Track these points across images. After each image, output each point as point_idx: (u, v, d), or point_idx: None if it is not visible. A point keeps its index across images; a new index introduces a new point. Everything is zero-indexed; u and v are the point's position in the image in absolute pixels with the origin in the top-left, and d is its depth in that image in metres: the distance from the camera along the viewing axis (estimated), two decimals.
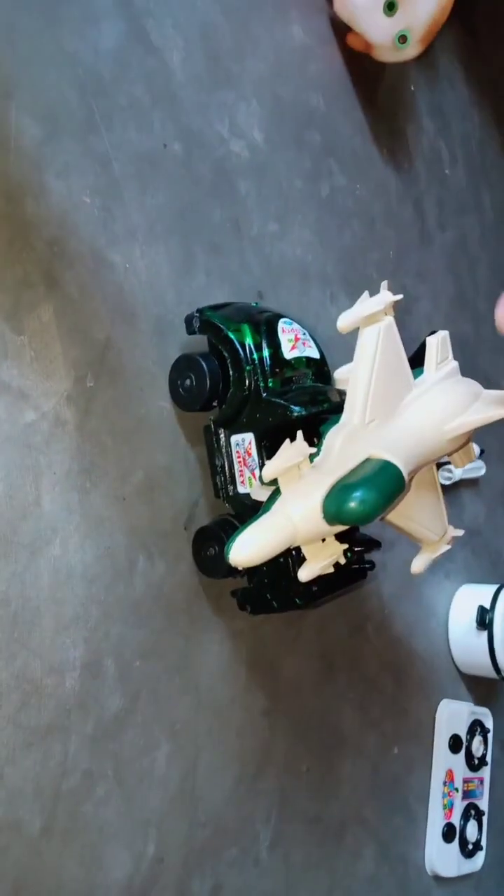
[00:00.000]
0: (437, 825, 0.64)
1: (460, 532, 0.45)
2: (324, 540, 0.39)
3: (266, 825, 0.52)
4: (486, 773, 0.69)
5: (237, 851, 0.49)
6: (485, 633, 0.66)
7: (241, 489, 0.45)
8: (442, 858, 0.64)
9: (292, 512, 0.36)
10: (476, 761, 0.68)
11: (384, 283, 0.41)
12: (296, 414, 0.42)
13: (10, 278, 0.39)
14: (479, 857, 0.68)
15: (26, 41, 0.41)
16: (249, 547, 0.35)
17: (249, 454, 0.44)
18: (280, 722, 0.52)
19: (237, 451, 0.44)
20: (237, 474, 0.45)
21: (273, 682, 0.52)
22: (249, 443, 0.44)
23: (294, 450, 0.37)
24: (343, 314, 0.40)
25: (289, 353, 0.44)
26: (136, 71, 0.47)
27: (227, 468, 0.45)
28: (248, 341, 0.43)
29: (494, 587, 0.68)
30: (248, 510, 0.44)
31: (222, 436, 0.45)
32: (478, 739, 0.68)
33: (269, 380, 0.43)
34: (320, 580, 0.43)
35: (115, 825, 0.42)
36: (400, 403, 0.40)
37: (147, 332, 0.45)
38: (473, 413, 0.41)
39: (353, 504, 0.34)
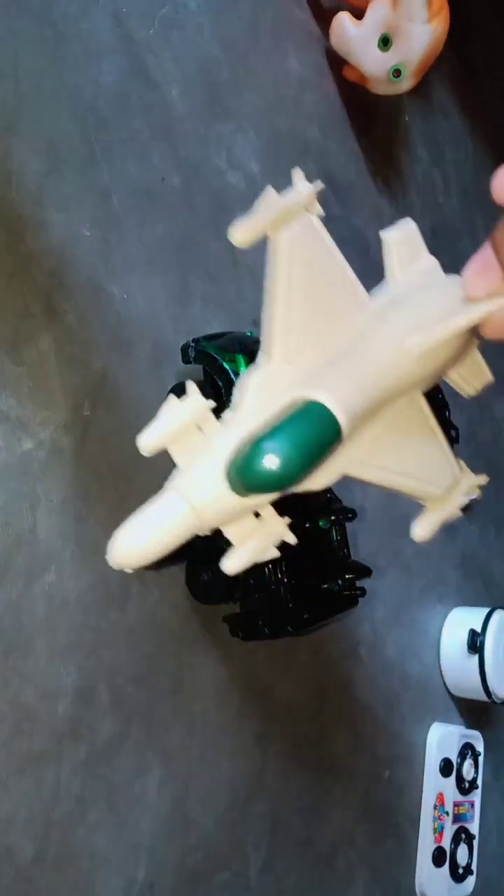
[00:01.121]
0: (427, 849, 0.64)
1: (483, 478, 0.35)
2: (258, 515, 0.30)
3: (257, 849, 0.52)
4: (476, 796, 0.70)
5: (228, 875, 0.49)
6: (476, 657, 0.67)
7: None
8: (432, 883, 0.64)
9: (188, 487, 0.27)
10: (467, 785, 0.68)
11: (296, 171, 0.31)
12: None
13: (10, 309, 0.40)
14: (470, 882, 0.68)
15: (29, 77, 0.42)
16: (132, 543, 0.27)
17: None
18: (272, 746, 0.53)
19: None
20: None
21: (266, 706, 0.52)
22: None
23: (182, 407, 0.28)
24: (240, 221, 0.30)
25: None
26: (135, 105, 0.48)
27: None
28: (243, 371, 0.44)
29: (485, 610, 0.69)
30: None
31: None
32: (468, 763, 0.68)
33: None
34: (312, 607, 0.44)
35: (106, 850, 0.42)
36: (343, 328, 0.30)
37: (144, 361, 0.46)
38: (456, 314, 0.29)
39: (261, 463, 0.25)
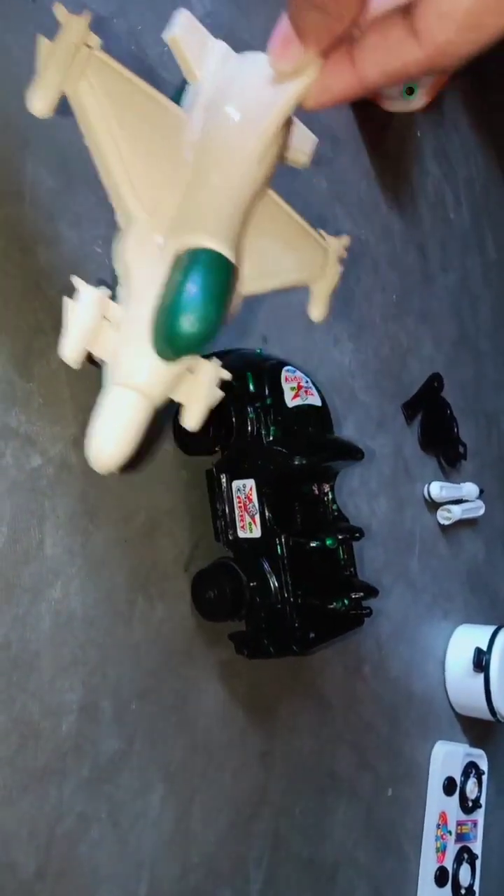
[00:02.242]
0: (429, 869, 0.64)
1: (346, 238, 0.36)
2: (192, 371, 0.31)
3: (259, 867, 0.52)
4: (479, 815, 0.69)
5: (230, 893, 0.49)
6: (481, 676, 0.66)
7: (242, 534, 0.45)
8: None
9: (127, 376, 0.28)
10: (470, 804, 0.68)
11: (58, 6, 0.28)
12: (297, 463, 0.43)
13: (22, 326, 0.40)
14: None
15: None
16: (105, 447, 0.29)
17: (250, 500, 0.45)
18: (276, 763, 0.52)
19: (238, 497, 0.45)
20: (238, 519, 0.45)
21: (270, 723, 0.52)
22: (250, 489, 0.44)
23: (84, 305, 0.28)
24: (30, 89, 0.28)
25: (291, 401, 0.45)
26: None
27: (227, 513, 0.46)
28: (252, 389, 0.44)
29: (491, 629, 0.69)
30: (248, 554, 0.45)
31: (224, 481, 0.46)
32: (472, 781, 0.68)
33: (272, 427, 0.44)
34: (317, 627, 0.44)
35: (108, 867, 0.42)
36: (179, 158, 0.29)
37: None
38: (278, 101, 0.28)
39: (182, 328, 0.27)
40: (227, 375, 0.33)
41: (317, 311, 0.36)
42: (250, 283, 0.32)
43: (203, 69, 0.31)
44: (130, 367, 0.29)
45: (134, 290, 0.29)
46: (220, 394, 0.32)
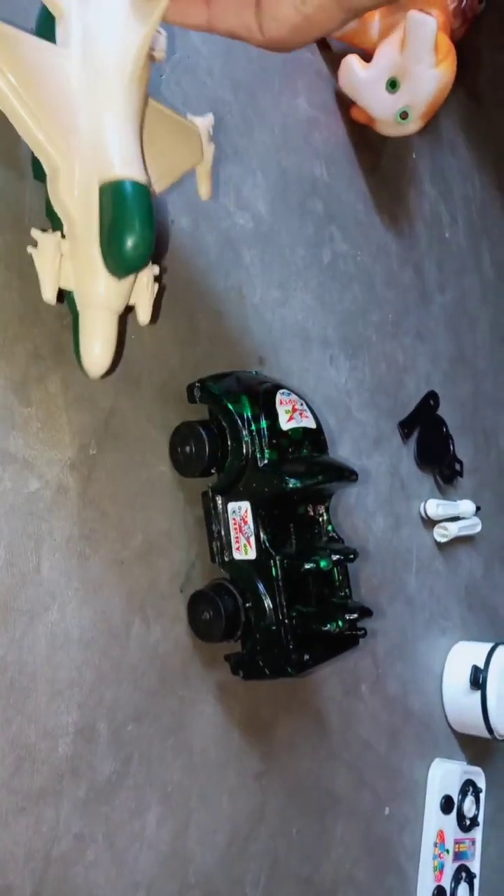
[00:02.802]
0: (427, 888, 0.64)
1: (209, 118, 0.43)
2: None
3: (256, 887, 0.52)
4: (477, 833, 0.69)
5: None
6: (478, 693, 0.67)
7: (237, 555, 0.46)
8: None
9: (98, 301, 0.37)
10: (468, 822, 0.68)
11: None
12: (291, 486, 0.43)
13: (20, 351, 0.41)
14: None
15: None
16: (99, 359, 0.38)
17: (245, 522, 0.45)
18: (273, 783, 0.53)
19: (233, 519, 0.46)
20: (233, 541, 0.46)
21: (266, 743, 0.52)
22: (246, 511, 0.45)
23: (47, 252, 0.36)
24: None
25: (286, 424, 0.46)
26: None
27: (223, 534, 0.46)
28: (247, 413, 0.45)
29: (488, 646, 0.69)
30: (244, 576, 0.45)
31: (219, 502, 0.46)
32: (469, 800, 0.68)
33: (267, 450, 0.45)
34: (312, 649, 0.44)
35: (105, 889, 0.42)
36: (74, 99, 0.34)
37: (150, 400, 0.47)
38: (142, 30, 0.34)
39: (127, 252, 0.34)
40: (157, 270, 0.40)
41: (204, 189, 0.43)
42: (155, 186, 0.38)
43: (65, 3, 0.35)
44: (91, 290, 0.36)
45: (76, 226, 0.35)
46: (155, 289, 0.40)
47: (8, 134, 0.41)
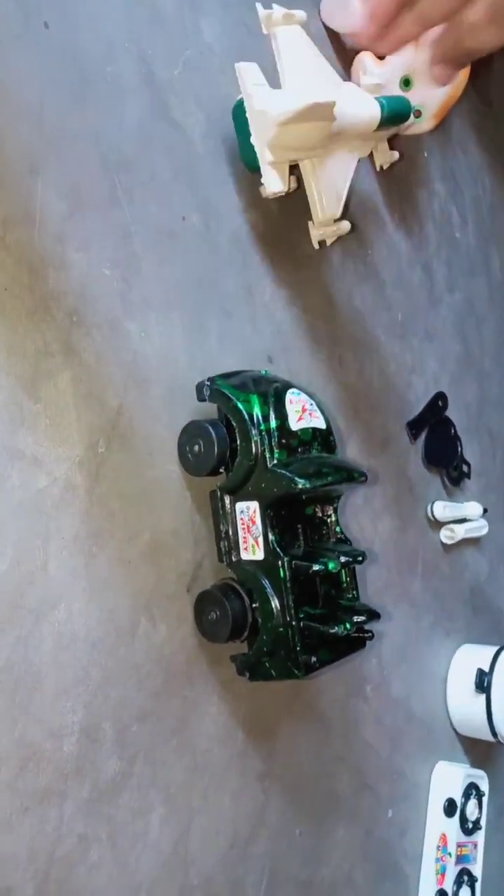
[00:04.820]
0: (429, 892, 0.64)
1: None
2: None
3: (257, 889, 0.51)
4: (480, 837, 0.69)
5: None
6: (483, 696, 0.66)
7: (245, 555, 0.45)
8: None
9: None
10: (470, 825, 0.68)
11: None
12: (300, 486, 0.43)
13: (30, 348, 0.40)
14: None
15: (54, 118, 0.43)
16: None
17: (254, 522, 0.45)
18: (275, 785, 0.52)
19: (241, 518, 0.45)
20: (241, 541, 0.45)
21: (270, 745, 0.52)
22: (254, 511, 0.45)
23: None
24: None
25: (296, 423, 0.45)
26: (157, 146, 0.48)
27: (231, 534, 0.46)
28: (257, 412, 0.45)
29: (494, 649, 0.69)
30: (251, 576, 0.45)
31: (228, 502, 0.46)
32: (472, 803, 0.68)
33: (276, 450, 0.44)
34: (319, 651, 0.44)
35: (107, 890, 0.42)
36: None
37: (159, 398, 0.47)
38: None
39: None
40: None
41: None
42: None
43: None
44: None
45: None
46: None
47: (19, 129, 0.41)
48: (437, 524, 0.71)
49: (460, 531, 0.71)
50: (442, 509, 0.69)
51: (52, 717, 0.39)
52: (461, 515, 0.72)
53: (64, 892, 0.40)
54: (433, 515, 0.69)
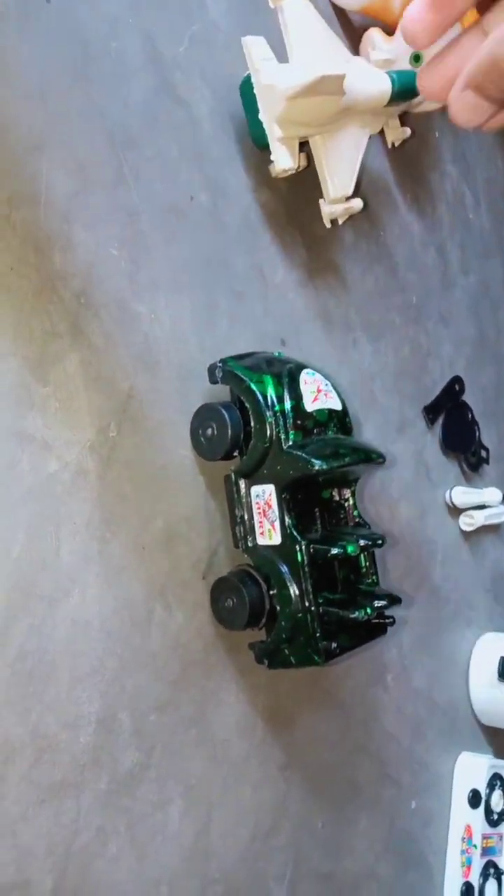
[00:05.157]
0: (454, 884, 0.62)
1: None
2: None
3: (280, 882, 0.50)
4: None
5: None
6: None
7: (261, 540, 0.44)
8: None
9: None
10: (496, 816, 0.66)
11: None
12: (317, 468, 0.42)
13: (37, 329, 0.39)
14: None
15: (58, 97, 0.42)
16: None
17: (269, 506, 0.44)
18: (296, 776, 0.51)
19: (257, 503, 0.44)
20: (257, 525, 0.44)
21: (289, 735, 0.51)
22: (270, 494, 0.44)
23: None
24: None
25: (311, 404, 0.44)
26: (164, 124, 0.47)
27: (246, 519, 0.45)
28: (271, 393, 0.43)
29: None
30: (268, 562, 0.44)
31: (243, 486, 0.45)
32: (497, 794, 0.66)
33: (291, 432, 0.43)
34: (340, 637, 0.43)
35: (126, 883, 0.41)
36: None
37: (170, 381, 0.45)
38: None
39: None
40: None
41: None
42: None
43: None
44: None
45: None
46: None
47: (22, 106, 0.40)
48: (456, 511, 0.69)
49: (480, 518, 0.69)
50: (461, 495, 0.68)
51: (68, 707, 0.38)
52: (480, 502, 0.70)
53: (83, 886, 0.39)
54: (452, 502, 0.68)
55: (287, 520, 0.43)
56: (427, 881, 0.62)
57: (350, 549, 0.42)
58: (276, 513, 0.43)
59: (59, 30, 0.42)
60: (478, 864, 0.64)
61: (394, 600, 0.45)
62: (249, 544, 0.45)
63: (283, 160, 0.48)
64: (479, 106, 0.29)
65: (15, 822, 0.36)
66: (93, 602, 0.40)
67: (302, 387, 0.45)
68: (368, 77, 0.52)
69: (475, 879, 0.64)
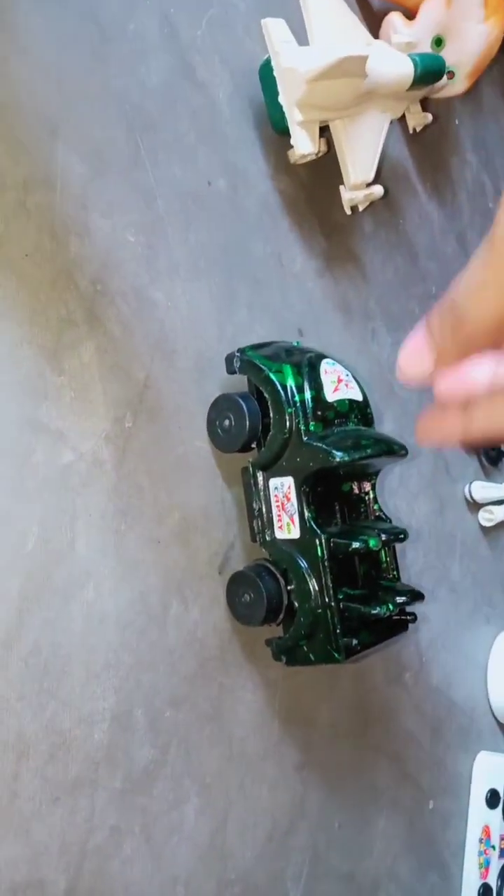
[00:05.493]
0: (472, 886, 0.61)
1: None
2: None
3: (297, 883, 0.49)
4: None
5: None
6: None
7: (279, 534, 0.43)
8: None
9: None
10: None
11: None
12: (338, 459, 0.40)
13: (53, 317, 0.38)
14: None
15: (74, 79, 0.41)
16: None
17: (288, 499, 0.43)
18: (313, 775, 0.50)
19: (276, 496, 0.43)
20: (275, 519, 0.43)
21: (307, 733, 0.50)
22: (289, 487, 0.42)
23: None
24: None
25: (331, 395, 0.43)
26: (181, 107, 0.46)
27: (264, 512, 0.44)
28: (290, 382, 0.42)
29: None
30: (286, 556, 0.43)
31: (261, 479, 0.44)
32: None
33: (311, 423, 0.42)
34: (360, 633, 0.42)
35: (141, 883, 0.40)
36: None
37: (187, 370, 0.44)
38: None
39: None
40: None
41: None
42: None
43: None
44: None
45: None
46: None
47: (37, 89, 0.39)
48: (476, 506, 0.68)
49: (499, 513, 0.68)
50: (481, 490, 0.66)
51: (82, 702, 0.38)
52: (500, 497, 0.69)
53: (98, 886, 0.38)
54: (471, 497, 0.67)
55: (307, 513, 0.42)
56: (446, 882, 0.61)
57: (372, 542, 0.41)
58: (295, 506, 0.42)
59: (75, 11, 0.41)
60: (496, 865, 0.63)
61: (416, 596, 0.43)
62: (267, 538, 0.43)
63: (303, 145, 0.47)
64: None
65: (28, 820, 0.35)
66: (108, 596, 0.39)
67: (322, 377, 0.43)
68: (391, 60, 0.51)
69: (493, 881, 0.63)
